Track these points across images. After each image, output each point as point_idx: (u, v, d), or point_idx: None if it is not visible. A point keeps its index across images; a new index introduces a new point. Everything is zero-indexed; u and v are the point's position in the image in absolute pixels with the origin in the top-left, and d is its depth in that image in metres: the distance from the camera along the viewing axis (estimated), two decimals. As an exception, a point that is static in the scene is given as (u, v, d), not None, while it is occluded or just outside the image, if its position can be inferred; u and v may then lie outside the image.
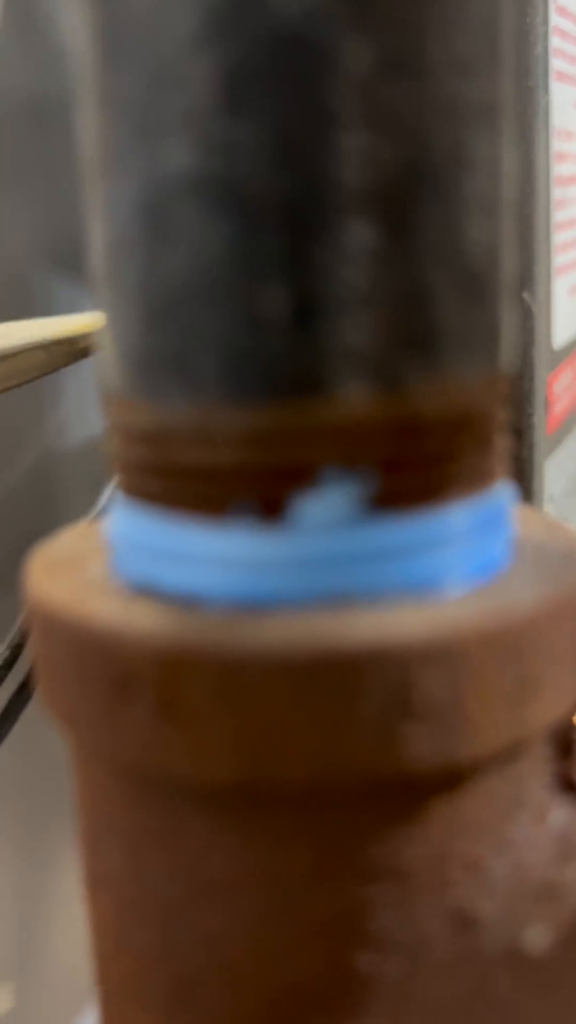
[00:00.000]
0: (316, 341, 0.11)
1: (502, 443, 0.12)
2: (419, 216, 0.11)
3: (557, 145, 0.29)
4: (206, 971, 0.12)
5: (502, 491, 0.12)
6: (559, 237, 0.30)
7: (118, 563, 0.12)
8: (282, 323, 0.10)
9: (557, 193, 0.29)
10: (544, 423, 0.29)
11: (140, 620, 0.11)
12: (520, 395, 0.28)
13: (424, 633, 0.10)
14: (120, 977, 0.13)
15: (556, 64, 0.29)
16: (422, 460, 0.11)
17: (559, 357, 0.31)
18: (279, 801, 0.11)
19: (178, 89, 0.10)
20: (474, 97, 0.11)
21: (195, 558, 0.11)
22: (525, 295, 0.27)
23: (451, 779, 0.11)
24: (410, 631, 0.10)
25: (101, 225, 0.12)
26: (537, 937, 0.11)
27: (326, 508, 0.11)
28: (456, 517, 0.11)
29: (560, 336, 0.31)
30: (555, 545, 0.13)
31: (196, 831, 0.11)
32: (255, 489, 0.11)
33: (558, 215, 0.29)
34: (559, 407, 0.31)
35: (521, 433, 0.28)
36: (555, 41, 0.28)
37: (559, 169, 0.29)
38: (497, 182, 0.11)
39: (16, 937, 0.37)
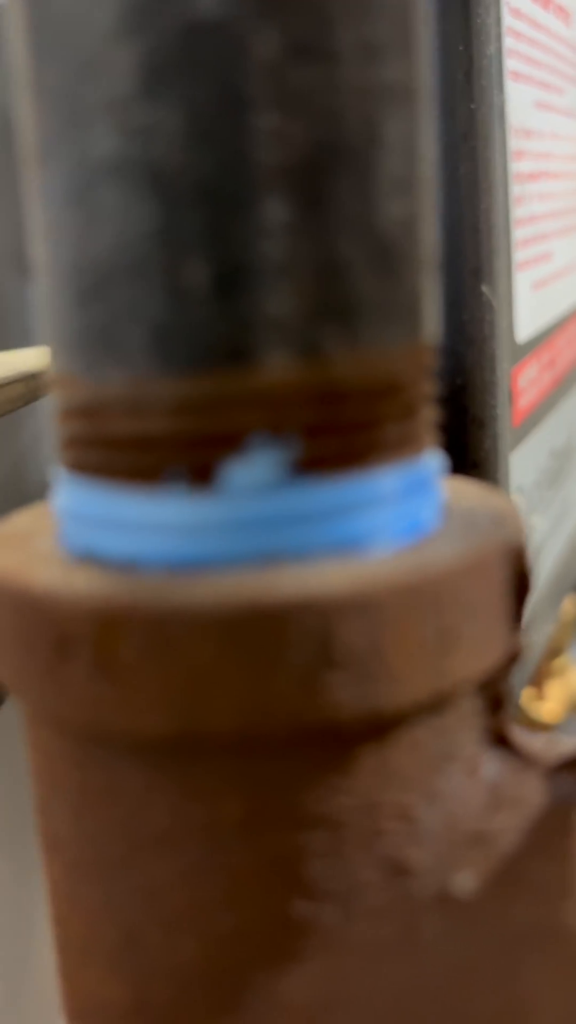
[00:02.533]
0: (237, 312, 0.11)
1: (429, 413, 0.13)
2: (333, 193, 0.11)
3: (515, 143, 0.30)
4: (148, 924, 0.12)
5: (430, 459, 0.13)
6: (520, 232, 0.30)
7: (63, 535, 0.13)
8: (204, 296, 0.11)
9: (516, 190, 0.30)
10: (508, 415, 0.30)
11: (78, 584, 0.11)
12: (482, 387, 0.28)
13: (344, 586, 0.11)
14: (72, 937, 0.13)
15: (511, 64, 0.29)
16: (345, 426, 0.12)
17: (523, 351, 0.32)
18: (211, 752, 0.11)
19: (100, 78, 0.11)
20: (386, 79, 0.11)
21: (131, 525, 0.12)
22: (484, 288, 0.28)
23: (377, 729, 0.12)
24: (331, 585, 0.11)
25: (36, 212, 0.12)
26: (464, 882, 0.12)
27: (253, 473, 0.11)
28: (381, 481, 0.12)
29: (524, 330, 0.31)
30: (482, 510, 0.13)
31: (134, 786, 0.12)
32: (186, 457, 0.11)
33: (518, 211, 0.30)
34: (524, 400, 0.32)
35: (484, 424, 0.29)
36: (509, 42, 0.29)
37: (518, 166, 0.30)
38: (413, 161, 0.12)
39: (3, 938, 0.38)
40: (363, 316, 0.11)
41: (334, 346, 0.11)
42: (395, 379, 0.12)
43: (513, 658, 0.13)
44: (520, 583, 0.12)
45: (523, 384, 0.32)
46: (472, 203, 0.27)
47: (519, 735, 0.13)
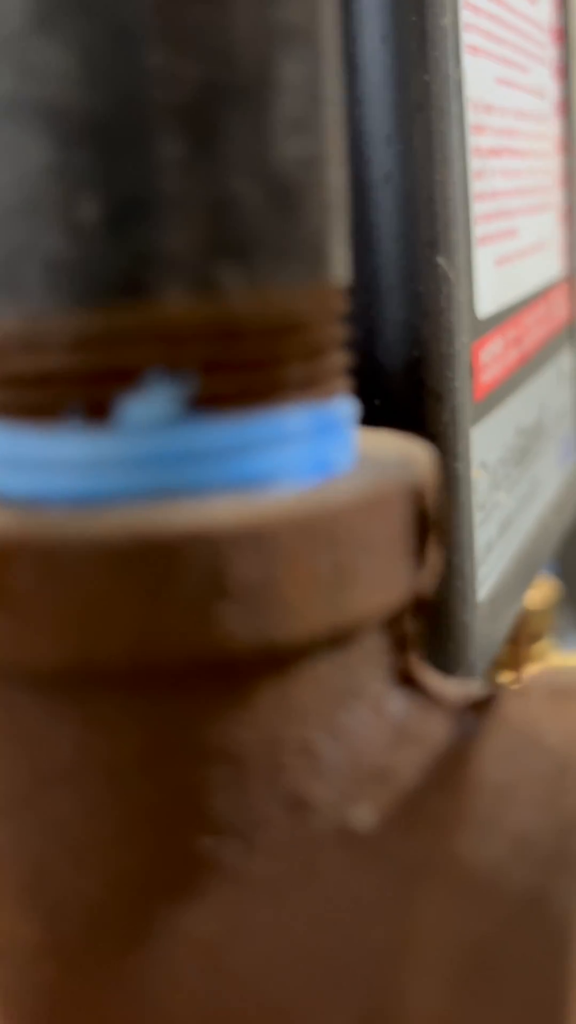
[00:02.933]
0: (132, 247, 0.11)
1: (339, 357, 0.13)
2: (225, 131, 0.11)
3: (474, 117, 0.30)
4: (55, 860, 0.12)
5: (340, 403, 0.13)
6: (480, 207, 0.30)
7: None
8: (99, 231, 0.11)
9: (476, 164, 0.30)
10: (468, 389, 0.30)
11: (-26, 519, 0.12)
12: (439, 360, 0.28)
13: (237, 519, 0.11)
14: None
15: (469, 38, 0.29)
16: (243, 363, 0.12)
17: (485, 326, 0.32)
18: (108, 685, 0.11)
19: (-6, 16, 0.11)
20: (282, 20, 0.12)
21: (29, 462, 0.12)
22: (440, 260, 0.28)
23: (275, 662, 0.12)
24: (224, 518, 0.11)
25: None
26: (364, 817, 0.12)
27: (150, 409, 0.11)
28: (281, 420, 0.12)
29: (485, 305, 0.32)
30: (393, 454, 0.13)
31: (34, 720, 0.12)
32: (83, 393, 0.11)
33: (478, 185, 0.30)
34: (488, 375, 0.32)
35: (442, 397, 0.29)
36: (467, 15, 0.29)
37: (477, 140, 0.30)
38: (313, 103, 0.12)
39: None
40: (260, 253, 0.12)
41: (230, 282, 0.11)
42: (297, 318, 0.12)
43: (419, 598, 0.13)
44: (423, 523, 0.13)
45: (485, 359, 0.32)
46: (426, 174, 0.27)
47: (427, 676, 0.13)
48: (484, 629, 0.31)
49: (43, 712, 0.12)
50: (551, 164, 0.38)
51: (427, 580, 0.13)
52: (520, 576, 0.36)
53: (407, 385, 0.28)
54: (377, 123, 0.26)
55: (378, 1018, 0.11)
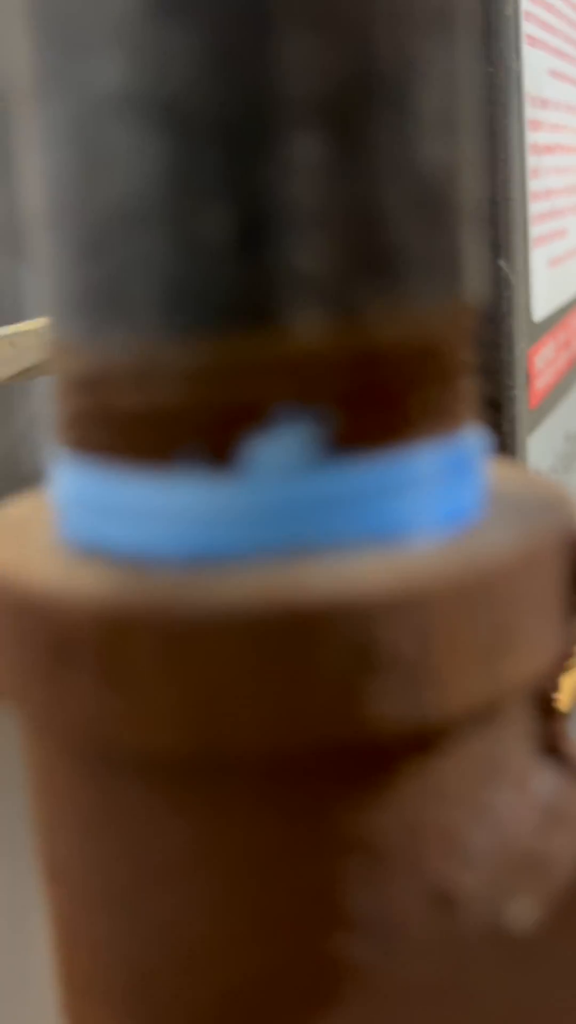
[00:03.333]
0: (261, 266, 0.10)
1: (468, 383, 0.11)
2: (369, 129, 0.10)
3: (531, 113, 0.28)
4: (161, 962, 0.11)
5: (471, 435, 0.11)
6: (535, 207, 0.29)
7: (64, 525, 0.11)
8: (225, 248, 0.10)
9: (532, 162, 0.29)
10: (526, 397, 0.28)
11: (80, 581, 0.10)
12: (499, 367, 0.27)
13: (387, 583, 0.09)
14: (75, 972, 0.12)
15: (527, 28, 0.28)
16: (383, 396, 0.10)
17: (540, 330, 0.30)
18: (235, 772, 0.10)
19: (104, -3, 0.10)
20: (426, 2, 0.10)
21: (140, 512, 0.10)
22: (502, 264, 0.26)
23: (422, 741, 0.10)
24: (372, 581, 0.09)
25: (33, 158, 0.11)
26: (522, 913, 0.10)
27: (280, 451, 0.10)
28: (421, 459, 0.10)
29: (540, 308, 0.30)
30: (531, 494, 0.12)
31: (146, 808, 0.10)
32: (203, 433, 0.10)
33: (534, 184, 0.29)
34: (541, 382, 0.31)
35: (501, 406, 0.27)
36: (525, 3, 0.28)
37: (534, 137, 0.29)
38: (455, 97, 0.10)
39: None
40: (402, 271, 0.10)
41: (371, 305, 0.10)
42: (435, 342, 0.10)
43: (566, 658, 0.11)
44: (573, 577, 0.11)
45: (540, 365, 0.30)
46: (490, 174, 0.25)
47: (573, 745, 0.12)
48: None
49: (156, 799, 0.10)
50: (596, 160, 0.37)
51: (573, 636, 0.11)
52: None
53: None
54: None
55: None
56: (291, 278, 0.10)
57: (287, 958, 0.10)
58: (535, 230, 0.29)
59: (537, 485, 0.12)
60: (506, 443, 0.27)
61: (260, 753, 0.10)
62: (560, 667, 0.11)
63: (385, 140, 0.10)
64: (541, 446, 0.31)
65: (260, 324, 0.10)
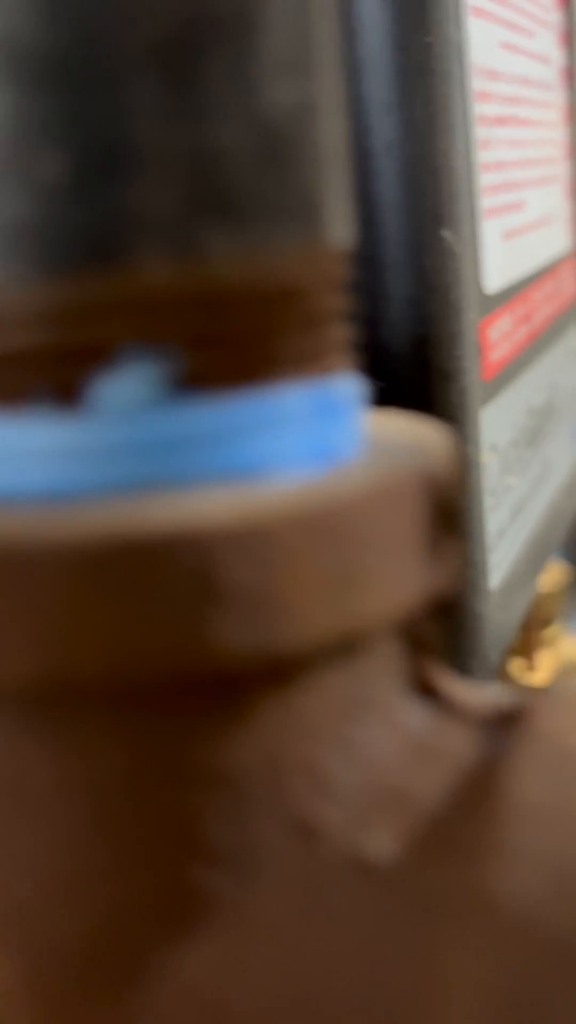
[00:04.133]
0: (104, 207, 0.10)
1: (340, 330, 0.12)
2: (209, 71, 0.10)
3: (478, 84, 0.28)
4: (31, 894, 0.11)
5: (342, 382, 0.12)
6: (487, 179, 0.29)
7: None
8: (66, 189, 0.10)
9: (481, 133, 0.29)
10: (477, 368, 0.29)
11: None
12: (447, 338, 0.27)
13: (229, 515, 0.10)
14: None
15: (474, 0, 0.28)
16: (232, 336, 0.10)
17: (494, 302, 0.30)
18: (88, 705, 0.10)
19: None
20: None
21: (-5, 453, 0.10)
22: (445, 234, 0.26)
23: (277, 674, 0.10)
24: (213, 514, 0.10)
25: None
26: (382, 843, 0.10)
27: (127, 390, 0.10)
28: (276, 401, 0.11)
29: (493, 281, 0.30)
30: (404, 440, 0.12)
31: (6, 742, 0.10)
32: (50, 374, 0.10)
33: (484, 156, 0.29)
34: (496, 354, 0.31)
35: (450, 377, 0.27)
36: (469, -26, 0.28)
37: (482, 108, 0.29)
38: (303, 43, 0.11)
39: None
40: (249, 211, 0.10)
41: (215, 244, 0.10)
42: (291, 285, 0.11)
43: (438, 598, 0.11)
44: (442, 516, 0.11)
45: (494, 337, 0.30)
46: (429, 143, 0.26)
47: (448, 683, 0.12)
48: (497, 618, 0.30)
49: (17, 736, 0.10)
50: (557, 135, 0.37)
51: (445, 578, 0.12)
52: (532, 561, 0.34)
53: (414, 365, 0.27)
54: (377, 89, 0.25)
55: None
56: (133, 219, 0.10)
57: (149, 890, 0.11)
58: (487, 202, 0.29)
59: (412, 431, 0.12)
60: (456, 414, 0.27)
61: (109, 685, 0.10)
62: (432, 607, 0.12)
63: (225, 82, 0.10)
64: (498, 420, 0.31)
65: (104, 265, 0.10)
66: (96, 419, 0.10)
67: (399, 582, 0.11)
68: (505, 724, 0.11)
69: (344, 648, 0.11)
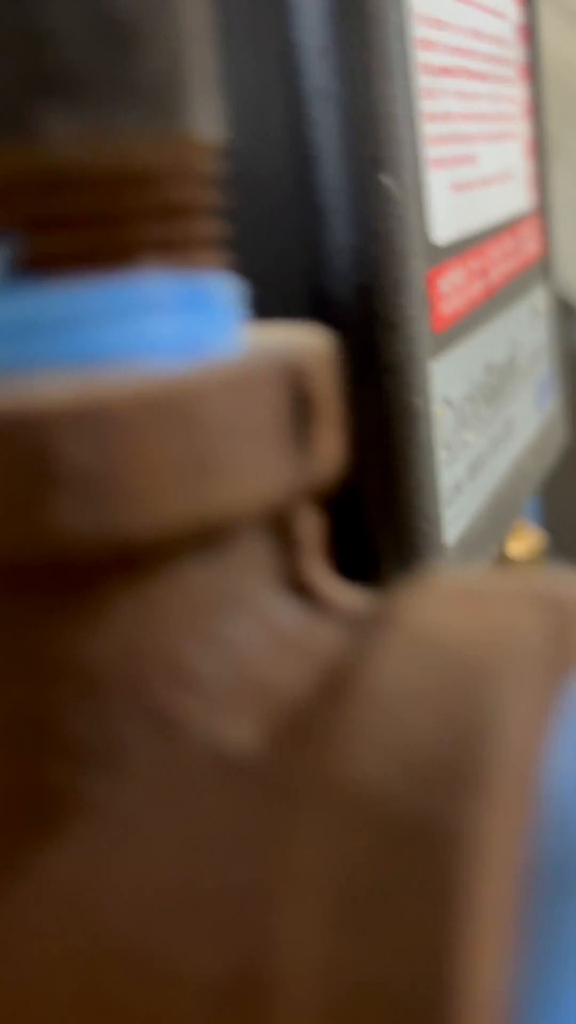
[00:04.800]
0: None
1: (207, 225, 0.11)
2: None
3: (421, 31, 0.28)
4: None
5: (212, 279, 0.11)
6: (432, 128, 0.29)
7: None
8: None
9: (425, 82, 0.28)
10: (425, 319, 0.28)
11: None
12: (390, 285, 0.27)
13: (68, 397, 0.09)
14: None
15: (413, -54, 0.28)
16: (78, 219, 0.10)
17: (443, 253, 0.30)
18: None
19: None
20: None
21: None
22: (385, 179, 0.26)
23: (129, 563, 0.10)
24: (52, 396, 0.09)
25: None
26: (241, 734, 0.10)
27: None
28: (130, 288, 0.10)
29: (443, 231, 0.30)
30: (278, 341, 0.12)
31: None
32: None
33: (428, 104, 0.29)
34: (448, 306, 0.31)
35: (395, 326, 0.27)
36: None
37: (426, 57, 0.28)
38: None
39: None
40: (87, 94, 0.10)
41: (53, 125, 0.10)
42: (141, 170, 0.10)
43: (310, 495, 0.11)
44: (306, 408, 0.11)
45: (445, 289, 0.30)
46: (365, 88, 0.25)
47: (324, 582, 0.12)
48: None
49: None
50: (514, 92, 0.37)
51: (321, 473, 0.11)
52: (495, 520, 0.34)
53: (358, 314, 0.26)
54: (310, 34, 0.25)
55: (251, 965, 0.09)
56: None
57: (9, 789, 0.10)
58: (433, 151, 0.29)
59: (292, 336, 0.12)
60: (403, 364, 0.27)
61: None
62: (304, 505, 0.11)
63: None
64: (452, 373, 0.31)
65: None
66: None
67: (260, 472, 0.11)
68: (373, 620, 0.11)
69: (204, 539, 0.10)
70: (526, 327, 0.39)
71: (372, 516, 0.28)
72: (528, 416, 0.39)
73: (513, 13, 0.36)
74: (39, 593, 0.10)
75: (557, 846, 0.09)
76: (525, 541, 0.52)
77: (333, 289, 0.27)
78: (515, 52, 0.37)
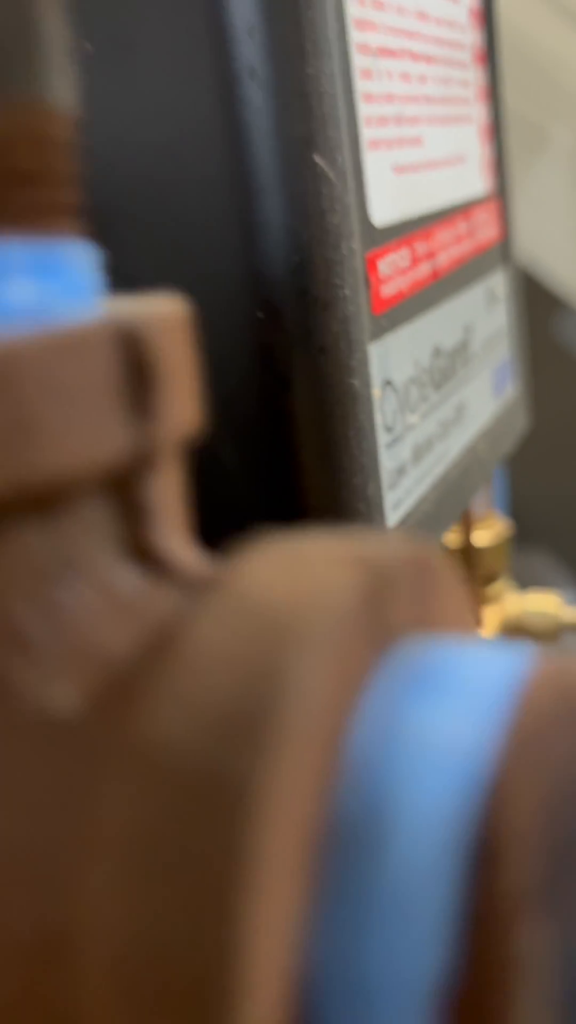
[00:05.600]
0: None
1: (57, 192, 0.11)
2: None
3: (357, 11, 0.28)
4: None
5: (63, 245, 0.11)
6: (371, 109, 0.29)
7: None
8: None
9: (362, 62, 0.28)
10: (364, 300, 0.28)
11: None
12: (324, 265, 0.27)
13: None
14: None
15: None
16: None
17: (384, 236, 0.30)
18: None
19: None
20: None
21: None
22: (317, 158, 0.26)
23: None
24: None
25: None
26: (65, 696, 0.10)
27: None
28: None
29: (382, 213, 0.30)
30: (126, 310, 0.12)
31: None
32: None
33: (367, 85, 0.28)
34: (390, 288, 0.31)
35: (329, 305, 0.27)
36: None
37: (362, 37, 0.28)
38: None
39: None
40: None
41: None
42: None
43: (147, 462, 0.11)
44: (142, 373, 0.11)
45: (386, 271, 0.30)
46: (295, 67, 0.25)
47: (166, 548, 0.12)
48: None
49: None
50: (468, 75, 0.37)
51: (167, 438, 0.11)
52: (444, 503, 0.34)
53: (291, 293, 0.26)
54: (239, 14, 0.25)
55: (51, 925, 0.09)
56: None
57: None
58: (371, 132, 0.29)
59: (146, 304, 0.12)
60: (338, 345, 0.27)
61: None
62: (143, 472, 0.11)
63: None
64: (393, 356, 0.31)
65: None
66: None
67: (89, 436, 0.11)
68: (208, 585, 0.11)
69: (35, 503, 0.11)
70: (482, 312, 0.39)
71: (311, 497, 0.28)
72: (484, 401, 0.39)
73: (466, -4, 0.36)
74: None
75: (357, 807, 0.09)
76: (491, 529, 0.53)
77: (265, 269, 0.27)
78: (469, 36, 0.37)
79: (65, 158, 0.11)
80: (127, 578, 0.11)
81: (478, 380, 0.39)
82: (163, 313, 0.12)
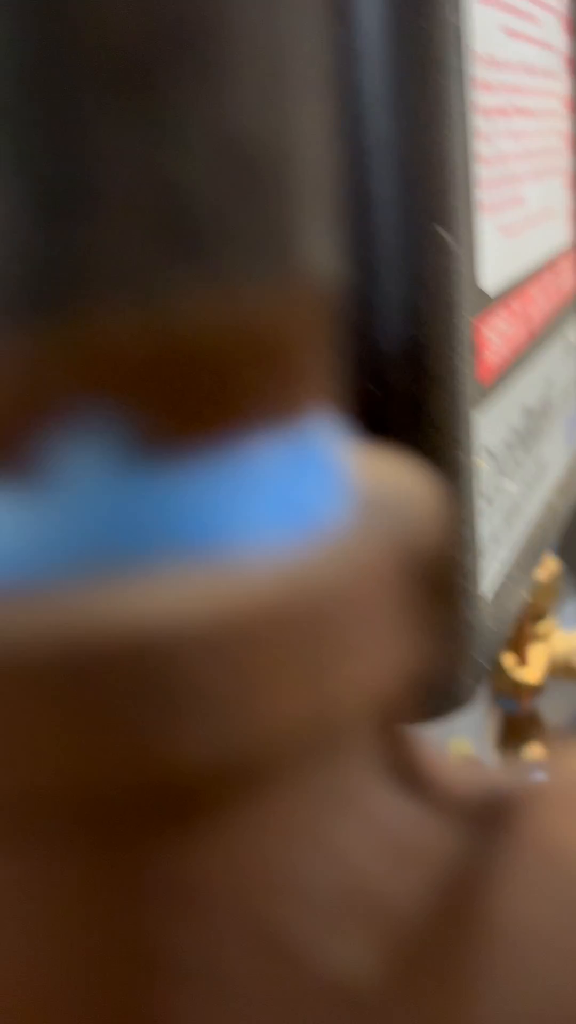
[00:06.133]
0: (52, 245, 0.09)
1: (321, 376, 0.10)
2: (168, 99, 0.09)
3: (480, 72, 0.27)
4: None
5: (321, 431, 0.10)
6: (485, 172, 0.28)
7: None
8: (8, 227, 0.09)
9: (481, 124, 0.27)
10: (471, 368, 0.27)
11: None
12: (438, 339, 0.26)
13: (196, 612, 0.08)
14: None
15: (475, -17, 0.27)
16: (200, 390, 0.09)
17: (490, 300, 0.29)
18: (41, 817, 0.09)
19: None
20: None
21: None
22: (440, 229, 0.25)
23: (244, 776, 0.09)
24: (179, 611, 0.08)
25: None
26: (359, 963, 0.09)
27: (83, 457, 0.09)
28: (245, 463, 0.09)
29: (490, 278, 0.29)
30: (390, 495, 0.11)
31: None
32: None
33: (483, 148, 0.27)
34: (493, 355, 0.30)
35: (442, 380, 0.26)
36: (470, -43, 0.26)
37: (483, 99, 0.27)
38: (279, 66, 0.09)
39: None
40: (218, 251, 0.09)
41: (178, 286, 0.09)
42: (266, 333, 0.09)
43: (419, 676, 0.10)
44: (428, 586, 0.10)
45: (491, 338, 0.29)
46: (425, 135, 0.24)
47: (428, 766, 0.11)
48: (488, 625, 0.29)
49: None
50: (559, 125, 0.36)
51: (425, 653, 0.10)
52: (525, 565, 0.33)
53: (404, 368, 0.25)
54: (371, 81, 0.23)
55: None
56: (87, 260, 0.09)
57: (109, 1014, 0.10)
58: (484, 196, 0.28)
59: (401, 485, 0.11)
60: (447, 418, 0.26)
61: (62, 798, 0.09)
62: (412, 687, 0.10)
63: (185, 110, 0.09)
64: (493, 422, 0.30)
65: (48, 313, 0.09)
66: (48, 491, 0.09)
67: (378, 662, 0.10)
68: (491, 819, 0.10)
69: (317, 739, 0.10)
70: (559, 363, 0.38)
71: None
72: (558, 452, 0.38)
73: (561, 43, 0.35)
74: (147, 812, 0.09)
75: None
76: (541, 567, 0.52)
77: (381, 343, 0.26)
78: (562, 84, 0.36)
79: (327, 336, 0.10)
80: (396, 809, 0.10)
81: (555, 433, 0.38)
82: (425, 500, 0.11)
